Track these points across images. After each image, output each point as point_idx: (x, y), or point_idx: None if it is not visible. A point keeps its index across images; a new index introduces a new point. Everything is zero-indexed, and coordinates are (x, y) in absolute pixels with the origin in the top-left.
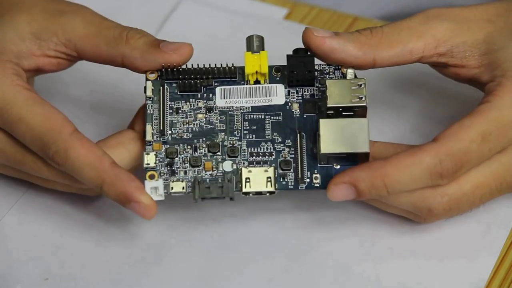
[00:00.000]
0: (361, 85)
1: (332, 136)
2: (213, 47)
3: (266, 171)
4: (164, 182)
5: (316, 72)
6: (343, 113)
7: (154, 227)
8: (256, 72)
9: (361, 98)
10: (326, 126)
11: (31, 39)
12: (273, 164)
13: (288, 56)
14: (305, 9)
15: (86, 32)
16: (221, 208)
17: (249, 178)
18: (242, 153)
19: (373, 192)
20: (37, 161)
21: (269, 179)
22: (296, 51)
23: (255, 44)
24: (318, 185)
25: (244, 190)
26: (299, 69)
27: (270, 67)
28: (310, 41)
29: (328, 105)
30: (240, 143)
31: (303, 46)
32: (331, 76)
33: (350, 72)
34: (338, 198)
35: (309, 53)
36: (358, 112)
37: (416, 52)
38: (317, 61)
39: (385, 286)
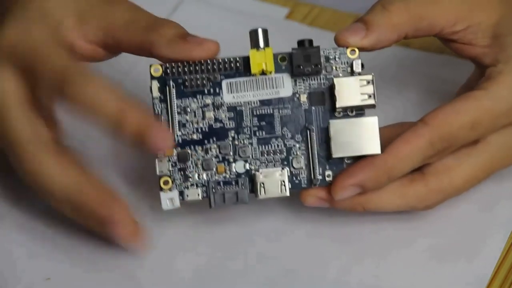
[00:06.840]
0: (369, 82)
1: (342, 139)
2: None
3: (280, 175)
4: (178, 188)
5: (322, 60)
6: (353, 111)
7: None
8: (262, 71)
9: (370, 96)
10: (336, 128)
11: (74, 15)
12: (285, 163)
13: (292, 50)
14: (306, 9)
15: (126, 20)
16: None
17: (263, 184)
18: (253, 152)
19: (377, 186)
20: None
21: (283, 183)
22: (301, 43)
23: (260, 38)
24: (331, 181)
25: (259, 197)
26: (305, 64)
27: (275, 55)
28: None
29: (337, 106)
30: (250, 141)
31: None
32: (337, 60)
33: (357, 63)
34: (344, 197)
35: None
36: (368, 108)
37: (436, 29)
38: (322, 46)
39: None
